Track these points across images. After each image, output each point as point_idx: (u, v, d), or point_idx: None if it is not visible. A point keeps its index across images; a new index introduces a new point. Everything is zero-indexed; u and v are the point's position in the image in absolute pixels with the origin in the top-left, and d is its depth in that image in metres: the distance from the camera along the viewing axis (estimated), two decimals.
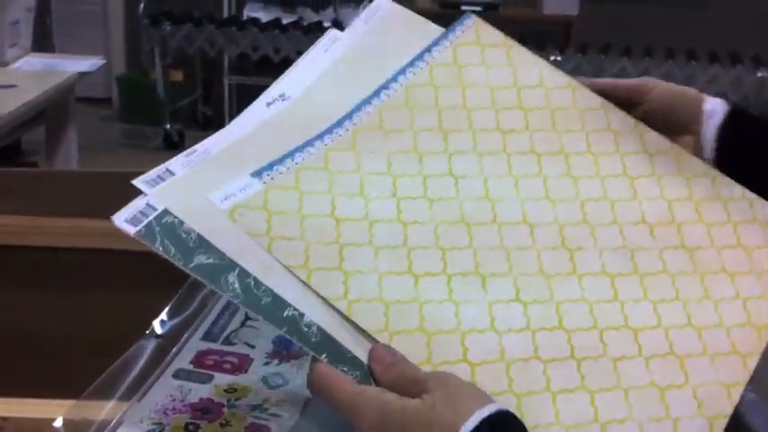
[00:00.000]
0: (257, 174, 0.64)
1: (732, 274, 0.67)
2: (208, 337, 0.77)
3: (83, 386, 0.69)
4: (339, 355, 0.58)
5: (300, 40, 4.18)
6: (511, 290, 0.63)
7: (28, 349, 0.89)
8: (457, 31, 0.77)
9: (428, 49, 0.75)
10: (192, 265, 0.58)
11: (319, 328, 0.58)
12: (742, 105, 0.78)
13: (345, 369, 0.57)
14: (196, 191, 0.62)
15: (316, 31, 4.25)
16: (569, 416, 0.58)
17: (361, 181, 0.66)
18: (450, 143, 0.70)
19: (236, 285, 0.58)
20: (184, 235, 0.59)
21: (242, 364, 0.74)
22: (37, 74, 2.71)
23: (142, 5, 4.35)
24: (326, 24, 4.43)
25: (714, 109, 0.76)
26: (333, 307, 0.59)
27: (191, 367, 0.73)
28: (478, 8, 4.58)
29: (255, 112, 0.69)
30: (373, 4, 0.78)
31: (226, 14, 4.66)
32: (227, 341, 0.77)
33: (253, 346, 0.76)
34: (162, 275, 0.64)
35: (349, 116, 0.69)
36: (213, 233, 0.60)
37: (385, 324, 0.59)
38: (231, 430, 0.66)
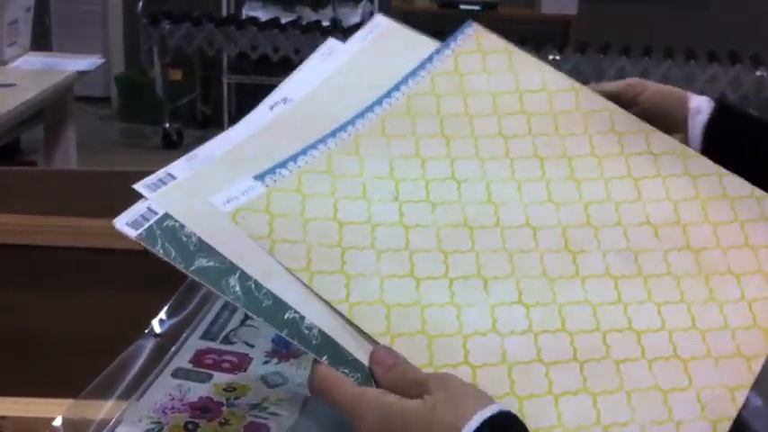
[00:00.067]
0: (260, 177, 0.64)
1: (738, 275, 0.66)
2: (207, 336, 0.77)
3: (82, 386, 0.69)
4: (340, 357, 0.58)
5: (299, 40, 4.18)
6: (513, 292, 0.63)
7: (27, 348, 0.89)
8: (458, 40, 0.77)
9: (429, 59, 0.75)
10: (192, 268, 0.58)
11: (320, 331, 0.58)
12: (728, 101, 0.78)
13: (346, 371, 0.57)
14: (197, 194, 0.62)
15: (314, 30, 4.26)
16: (572, 418, 0.58)
17: (363, 185, 0.66)
18: (453, 148, 0.70)
19: (237, 288, 0.58)
20: (185, 238, 0.59)
21: (241, 363, 0.74)
22: (36, 73, 2.71)
23: (141, 4, 4.34)
24: (325, 24, 4.43)
25: (699, 107, 0.76)
26: (334, 310, 0.59)
27: (190, 366, 0.73)
28: (477, 7, 4.58)
29: (257, 117, 0.69)
30: (372, 21, 0.78)
31: (225, 13, 4.67)
32: (227, 340, 0.77)
33: (252, 345, 0.76)
34: (162, 275, 0.64)
35: (351, 122, 0.70)
36: (214, 236, 0.60)
37: (386, 327, 0.59)
38: (230, 429, 0.66)
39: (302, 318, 0.58)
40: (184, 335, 0.77)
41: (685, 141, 0.75)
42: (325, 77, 0.73)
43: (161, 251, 0.58)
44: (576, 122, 0.73)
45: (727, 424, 0.59)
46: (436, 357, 0.59)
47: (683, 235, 0.68)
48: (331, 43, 0.76)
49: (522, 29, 3.98)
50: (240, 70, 4.71)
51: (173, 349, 0.75)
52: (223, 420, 0.67)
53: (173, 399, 0.68)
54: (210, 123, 4.79)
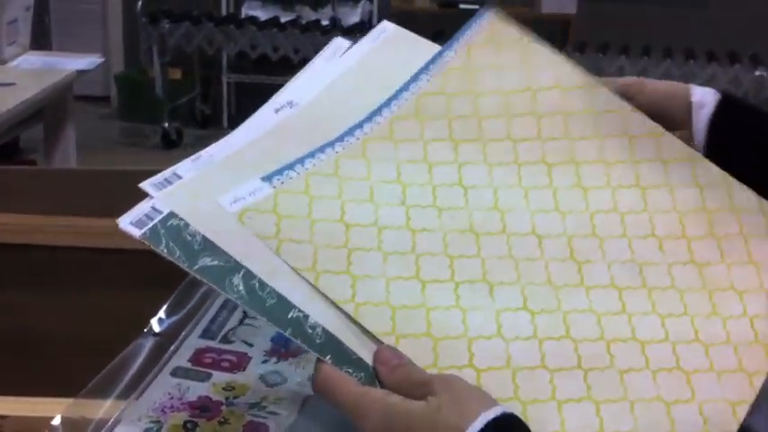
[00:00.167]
0: (267, 178, 0.64)
1: (741, 291, 0.66)
2: (206, 334, 0.77)
3: (82, 385, 0.69)
4: (343, 356, 0.58)
5: (299, 39, 4.18)
6: (518, 298, 0.63)
7: (27, 348, 0.89)
8: (473, 28, 0.76)
9: (440, 54, 0.74)
10: (196, 267, 0.58)
11: (324, 330, 0.58)
12: (732, 94, 0.77)
13: (350, 370, 0.57)
14: (203, 194, 0.62)
15: (314, 29, 4.26)
16: (574, 425, 0.58)
17: (370, 188, 0.66)
18: (461, 153, 0.70)
19: (241, 287, 0.58)
20: (189, 237, 0.59)
21: (240, 362, 0.74)
22: (35, 72, 2.71)
23: (140, 4, 4.34)
24: (325, 23, 4.43)
25: (703, 100, 0.74)
26: (339, 310, 0.59)
27: (189, 365, 0.73)
28: (477, 7, 4.57)
29: (262, 119, 0.69)
30: (378, 26, 0.78)
31: (224, 13, 4.67)
32: (226, 339, 0.77)
33: (251, 344, 0.76)
34: (162, 275, 0.64)
35: (359, 126, 0.69)
36: (220, 236, 0.60)
37: (392, 328, 0.59)
38: (229, 428, 0.66)
39: (306, 317, 0.58)
40: (183, 334, 0.77)
41: (690, 136, 0.74)
42: (332, 81, 0.73)
43: (165, 250, 0.58)
44: (588, 125, 0.72)
45: None
46: (441, 359, 0.59)
47: (687, 250, 0.67)
48: (338, 42, 0.76)
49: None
50: (240, 69, 4.71)
51: (172, 348, 0.75)
52: (222, 419, 0.67)
53: (172, 398, 0.68)
54: (210, 123, 4.79)
